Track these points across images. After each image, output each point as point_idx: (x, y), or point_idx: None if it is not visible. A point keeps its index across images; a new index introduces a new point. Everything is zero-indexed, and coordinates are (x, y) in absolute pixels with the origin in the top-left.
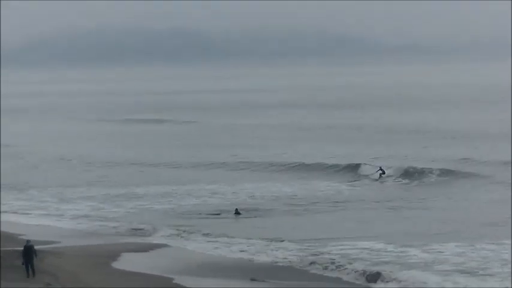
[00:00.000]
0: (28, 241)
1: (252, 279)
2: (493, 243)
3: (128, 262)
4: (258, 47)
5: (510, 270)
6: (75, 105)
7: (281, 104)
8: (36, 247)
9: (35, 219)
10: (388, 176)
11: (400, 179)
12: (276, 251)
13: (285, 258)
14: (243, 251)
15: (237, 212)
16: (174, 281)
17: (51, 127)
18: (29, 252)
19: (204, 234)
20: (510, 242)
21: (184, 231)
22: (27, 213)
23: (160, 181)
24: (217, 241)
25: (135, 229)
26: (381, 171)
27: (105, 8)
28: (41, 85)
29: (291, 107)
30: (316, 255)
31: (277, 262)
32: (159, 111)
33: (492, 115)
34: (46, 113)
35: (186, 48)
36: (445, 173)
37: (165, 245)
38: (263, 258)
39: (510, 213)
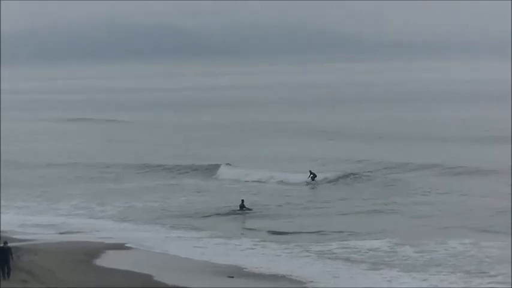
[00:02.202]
0: (5, 242)
1: (229, 277)
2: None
3: (106, 259)
4: (241, 45)
5: None
6: (28, 104)
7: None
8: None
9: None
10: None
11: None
12: None
13: None
14: None
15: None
16: (154, 278)
17: None
18: (5, 254)
19: None
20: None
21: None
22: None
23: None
24: None
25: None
26: (311, 175)
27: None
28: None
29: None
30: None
31: None
32: (109, 110)
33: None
34: None
35: (168, 45)
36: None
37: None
38: None
39: (510, 213)
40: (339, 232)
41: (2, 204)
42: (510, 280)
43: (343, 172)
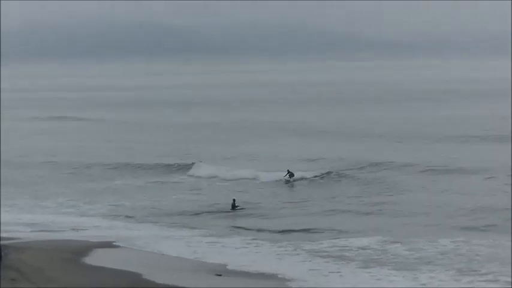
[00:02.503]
0: None
1: (217, 275)
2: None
3: (94, 258)
4: (238, 44)
5: None
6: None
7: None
8: None
9: None
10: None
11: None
12: None
13: None
14: None
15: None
16: (143, 277)
17: None
18: None
19: None
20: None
21: None
22: None
23: None
24: None
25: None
26: (289, 174)
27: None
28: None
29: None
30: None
31: None
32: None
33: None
34: None
35: (160, 44)
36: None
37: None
38: None
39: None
40: (331, 230)
41: None
42: (499, 278)
43: (326, 170)
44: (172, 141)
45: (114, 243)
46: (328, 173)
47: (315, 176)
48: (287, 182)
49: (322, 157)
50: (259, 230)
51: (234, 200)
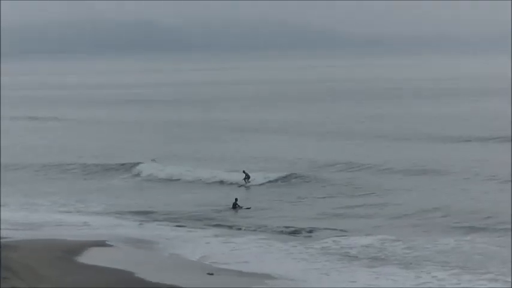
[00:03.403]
0: None
1: (209, 274)
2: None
3: (87, 256)
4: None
5: None
6: None
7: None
8: None
9: None
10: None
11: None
12: None
13: None
14: None
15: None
16: (135, 275)
17: None
18: None
19: None
20: None
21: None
22: None
23: None
24: None
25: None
26: (246, 176)
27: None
28: None
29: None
30: None
31: None
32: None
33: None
34: None
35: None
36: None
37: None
38: None
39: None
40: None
41: None
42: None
43: (289, 171)
44: (126, 140)
45: (107, 242)
46: (290, 174)
47: (276, 180)
48: (240, 186)
49: (285, 158)
50: (256, 229)
51: (236, 200)
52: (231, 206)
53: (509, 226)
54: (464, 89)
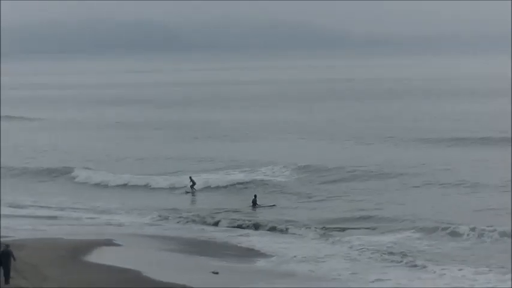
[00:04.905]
0: (7, 245)
1: (214, 273)
2: None
3: (93, 255)
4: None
5: None
6: None
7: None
8: None
9: None
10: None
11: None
12: None
13: None
14: None
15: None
16: (142, 274)
17: None
18: (5, 258)
19: None
20: None
21: None
22: None
23: None
24: None
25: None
26: (191, 183)
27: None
28: None
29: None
30: None
31: None
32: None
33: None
34: None
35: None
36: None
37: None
38: None
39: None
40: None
41: None
42: None
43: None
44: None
45: (114, 241)
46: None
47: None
48: (187, 193)
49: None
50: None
51: (255, 196)
52: (251, 204)
53: None
54: (465, 89)
